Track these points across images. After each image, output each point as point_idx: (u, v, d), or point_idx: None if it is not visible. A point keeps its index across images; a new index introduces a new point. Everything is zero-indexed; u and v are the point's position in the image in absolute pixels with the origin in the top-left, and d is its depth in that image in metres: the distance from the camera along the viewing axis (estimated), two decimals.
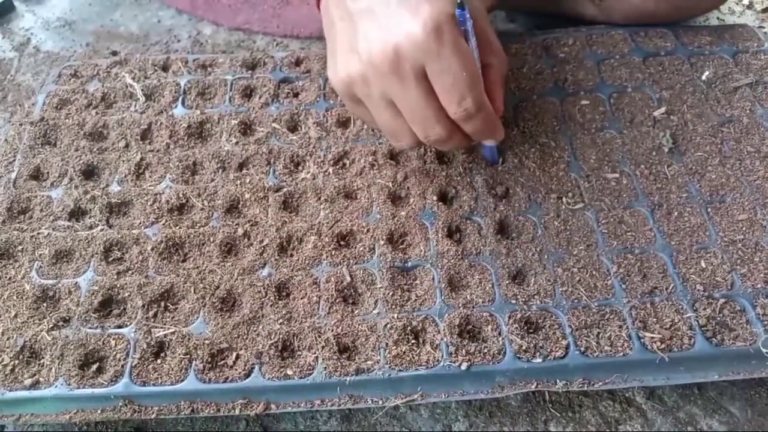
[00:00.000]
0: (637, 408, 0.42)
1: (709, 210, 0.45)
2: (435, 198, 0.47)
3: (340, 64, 0.41)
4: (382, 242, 0.45)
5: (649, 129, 0.50)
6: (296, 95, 0.55)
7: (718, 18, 0.65)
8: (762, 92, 0.52)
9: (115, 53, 0.65)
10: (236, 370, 0.40)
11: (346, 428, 0.42)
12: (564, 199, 0.47)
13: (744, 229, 0.44)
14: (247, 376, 0.39)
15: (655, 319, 0.40)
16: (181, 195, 0.48)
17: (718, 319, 0.40)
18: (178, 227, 0.46)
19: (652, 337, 0.39)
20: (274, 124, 0.52)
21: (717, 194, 0.46)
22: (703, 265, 0.42)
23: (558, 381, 0.39)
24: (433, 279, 0.43)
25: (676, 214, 0.45)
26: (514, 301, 0.41)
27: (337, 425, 0.42)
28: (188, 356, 0.40)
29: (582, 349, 0.39)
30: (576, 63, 0.56)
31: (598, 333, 0.40)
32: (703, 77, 0.53)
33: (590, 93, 0.53)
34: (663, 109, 0.51)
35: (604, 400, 0.42)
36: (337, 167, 0.50)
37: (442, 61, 0.37)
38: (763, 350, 0.38)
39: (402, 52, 0.37)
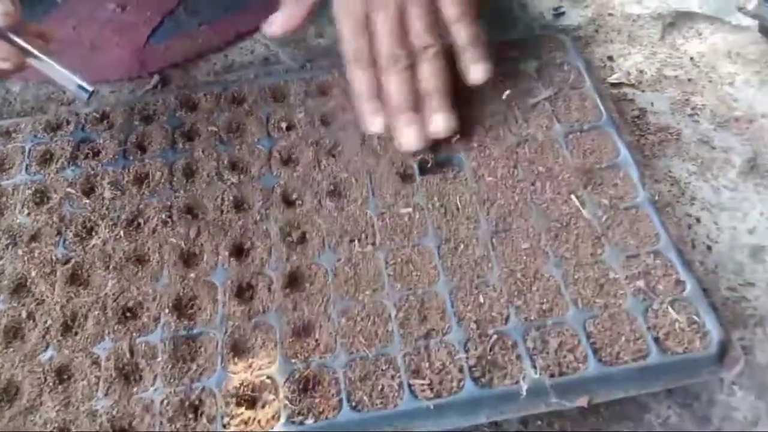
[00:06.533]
0: None
1: (494, 240, 0.45)
2: (227, 253, 0.47)
3: None
4: (167, 310, 0.44)
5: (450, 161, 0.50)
6: (96, 155, 0.53)
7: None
8: (561, 105, 0.53)
9: None
10: None
11: None
12: (356, 242, 0.46)
13: (525, 258, 0.44)
14: None
15: (427, 364, 0.40)
16: None
17: (489, 357, 0.40)
18: None
19: (422, 384, 0.39)
20: (68, 189, 0.51)
21: (504, 222, 0.46)
22: (482, 300, 0.43)
23: None
24: (217, 345, 0.42)
25: (462, 247, 0.45)
26: (294, 360, 0.41)
27: None
28: None
29: (353, 404, 0.39)
30: None
31: (372, 385, 0.40)
32: (504, 96, 0.53)
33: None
34: (457, 136, 0.51)
35: None
36: (130, 229, 0.49)
37: None
38: (523, 388, 0.38)
39: None
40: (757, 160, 0.54)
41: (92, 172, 0.52)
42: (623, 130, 0.52)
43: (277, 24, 0.54)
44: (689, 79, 0.61)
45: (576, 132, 0.51)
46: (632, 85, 0.61)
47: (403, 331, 0.42)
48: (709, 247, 0.50)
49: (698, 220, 0.51)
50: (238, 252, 0.47)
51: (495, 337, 0.41)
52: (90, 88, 0.48)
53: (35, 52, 0.47)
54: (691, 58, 0.62)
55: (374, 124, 0.50)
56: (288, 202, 0.50)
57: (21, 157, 0.53)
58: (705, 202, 0.52)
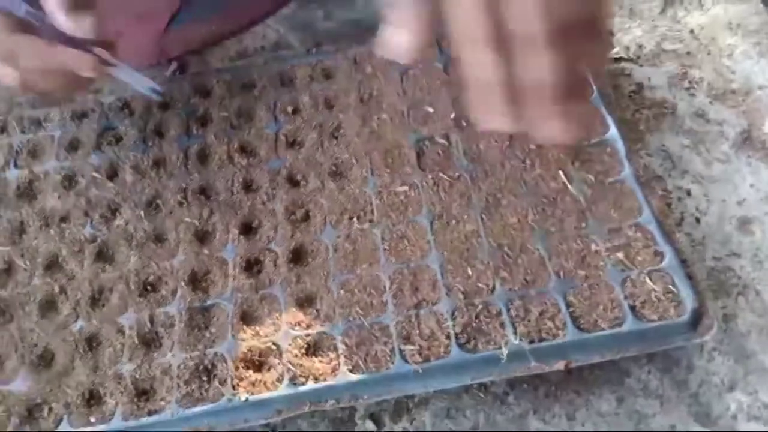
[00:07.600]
0: None
1: (484, 216, 0.48)
2: (237, 231, 0.50)
3: None
4: (183, 284, 0.48)
5: (444, 141, 0.52)
6: (118, 141, 0.58)
7: None
8: None
9: None
10: (49, 421, 0.44)
11: None
12: (355, 220, 0.50)
13: (512, 232, 0.47)
14: (57, 426, 0.44)
15: (417, 331, 0.44)
16: (6, 258, 0.51)
17: (474, 325, 0.43)
18: (3, 290, 0.50)
19: (412, 349, 0.43)
20: (94, 174, 0.55)
21: (495, 198, 0.49)
22: (470, 272, 0.45)
23: (329, 400, 0.42)
24: (228, 315, 0.46)
25: (453, 222, 0.48)
26: (297, 328, 0.45)
27: None
28: (7, 413, 0.45)
29: (350, 367, 0.43)
30: (382, 75, 0.58)
31: (367, 350, 0.43)
32: None
33: (391, 106, 0.55)
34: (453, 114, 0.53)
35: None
36: (150, 210, 0.53)
37: None
38: (504, 352, 0.41)
39: None
40: (751, 133, 0.55)
41: (115, 158, 0.56)
42: (615, 106, 0.53)
43: (402, 50, 0.36)
44: (688, 53, 0.61)
45: None
46: (631, 60, 0.62)
47: (396, 301, 0.45)
48: (697, 219, 0.51)
49: (689, 192, 0.53)
50: (247, 230, 0.51)
51: (480, 306, 0.44)
52: (160, 89, 0.55)
53: (113, 60, 0.52)
54: (691, 31, 0.63)
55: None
56: (293, 183, 0.53)
57: (52, 143, 0.58)
58: (696, 175, 0.54)
